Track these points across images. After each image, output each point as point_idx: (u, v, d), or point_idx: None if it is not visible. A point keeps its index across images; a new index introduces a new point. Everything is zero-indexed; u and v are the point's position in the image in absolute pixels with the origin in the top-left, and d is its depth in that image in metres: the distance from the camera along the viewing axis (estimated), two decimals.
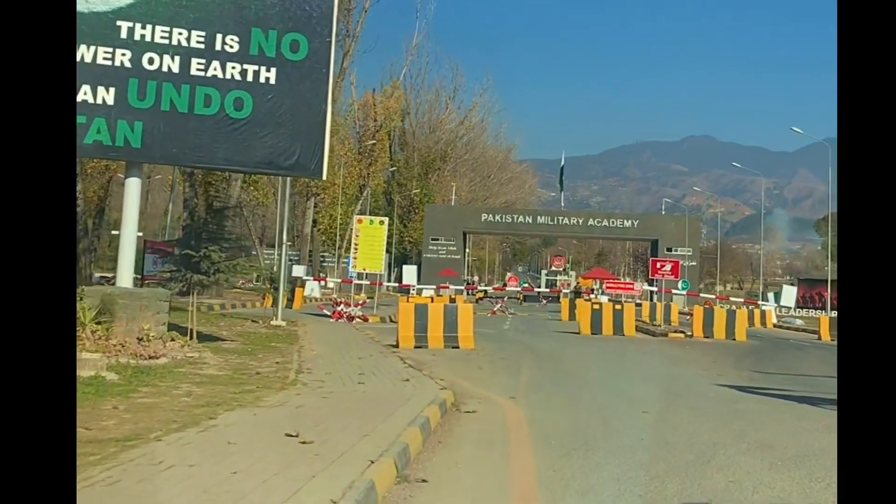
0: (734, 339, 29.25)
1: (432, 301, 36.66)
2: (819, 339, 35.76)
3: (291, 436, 7.68)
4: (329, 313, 32.48)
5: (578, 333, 29.05)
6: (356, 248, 36.22)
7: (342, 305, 32.45)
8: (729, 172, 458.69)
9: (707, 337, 29.43)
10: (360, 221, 37.10)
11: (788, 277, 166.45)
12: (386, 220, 38.13)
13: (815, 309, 74.03)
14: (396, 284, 59.59)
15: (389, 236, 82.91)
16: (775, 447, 8.91)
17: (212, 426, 8.16)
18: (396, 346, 20.38)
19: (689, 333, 29.86)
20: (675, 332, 30.83)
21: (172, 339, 15.05)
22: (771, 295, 64.03)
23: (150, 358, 13.30)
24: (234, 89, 16.13)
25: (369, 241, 36.01)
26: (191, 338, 16.48)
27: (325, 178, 17.83)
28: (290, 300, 41.86)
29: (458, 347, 20.56)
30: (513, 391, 13.03)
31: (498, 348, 21.58)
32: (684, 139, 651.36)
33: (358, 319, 31.89)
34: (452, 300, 44.21)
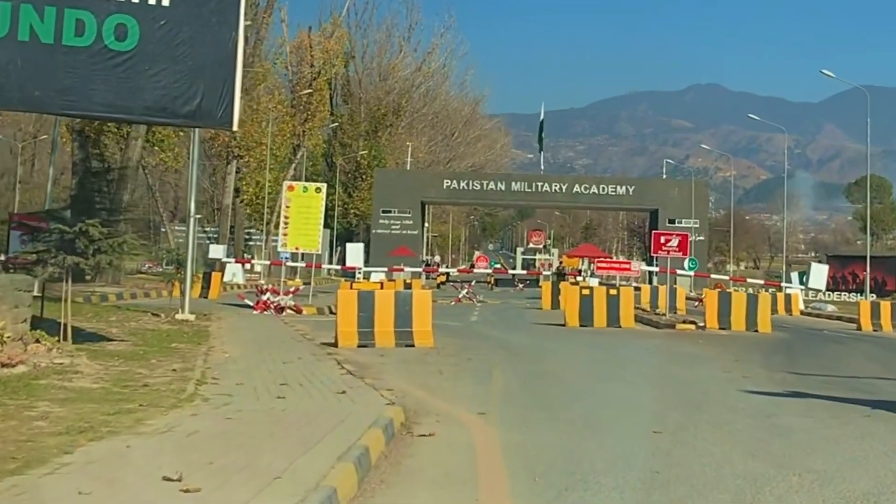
0: (756, 331, 28.63)
1: (382, 287, 35.91)
2: (859, 329, 35.13)
3: (171, 480, 6.63)
4: (252, 304, 31.47)
5: (564, 326, 28.33)
6: (286, 223, 35.11)
7: (268, 294, 31.43)
8: (741, 128, 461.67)
9: (723, 328, 28.77)
10: (290, 189, 35.96)
11: (814, 254, 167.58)
12: (324, 186, 36.98)
13: (849, 292, 73.88)
14: (339, 267, 58.66)
15: (330, 207, 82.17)
16: (836, 480, 8.01)
17: (63, 465, 7.09)
18: (335, 344, 19.51)
19: (702, 324, 29.17)
20: (685, 322, 30.11)
21: (37, 341, 13.93)
22: (795, 275, 63.71)
23: (3, 366, 12.17)
24: (116, 13, 14.87)
25: (303, 212, 34.93)
26: (63, 338, 15.35)
27: (235, 127, 16.60)
28: (206, 288, 40.95)
29: (413, 346, 19.74)
30: (482, 404, 12.07)
31: (464, 346, 20.64)
32: (688, 88, 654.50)
33: (289, 311, 30.94)
34: (408, 286, 43.67)
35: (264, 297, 31.10)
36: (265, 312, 30.01)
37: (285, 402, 10.77)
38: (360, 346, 19.42)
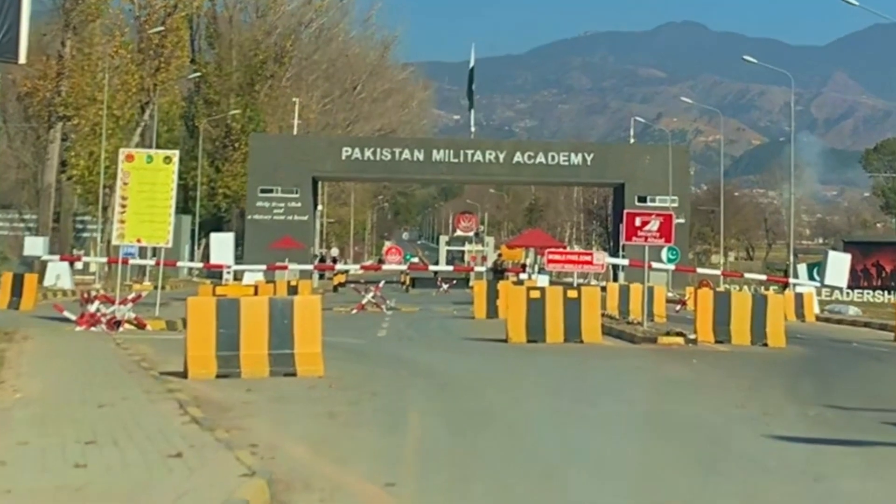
0: (766, 345, 27.54)
1: (256, 292, 34.29)
2: None
3: None
4: (74, 317, 29.66)
5: (506, 342, 26.95)
6: (123, 206, 33.33)
7: (97, 304, 29.60)
8: (727, 79, 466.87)
9: (721, 341, 27.71)
10: (129, 159, 34.10)
11: (822, 240, 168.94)
12: (176, 154, 35.24)
13: (873, 289, 73.44)
14: (202, 265, 56.92)
15: (190, 186, 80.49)
16: None
17: None
18: (185, 374, 17.88)
19: (693, 336, 27.91)
20: (669, 334, 28.80)
21: None
22: (802, 268, 63.20)
23: None
24: None
25: (147, 192, 33.23)
26: None
27: (22, 59, 14.93)
28: (17, 296, 39.62)
29: (295, 374, 18.30)
30: (392, 467, 10.54)
31: (367, 374, 19.17)
32: (658, 28, 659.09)
33: (129, 326, 29.23)
34: (292, 289, 42.11)
35: (92, 308, 29.27)
36: (93, 329, 28.23)
37: (86, 474, 9.08)
38: (219, 376, 17.96)
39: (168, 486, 8.68)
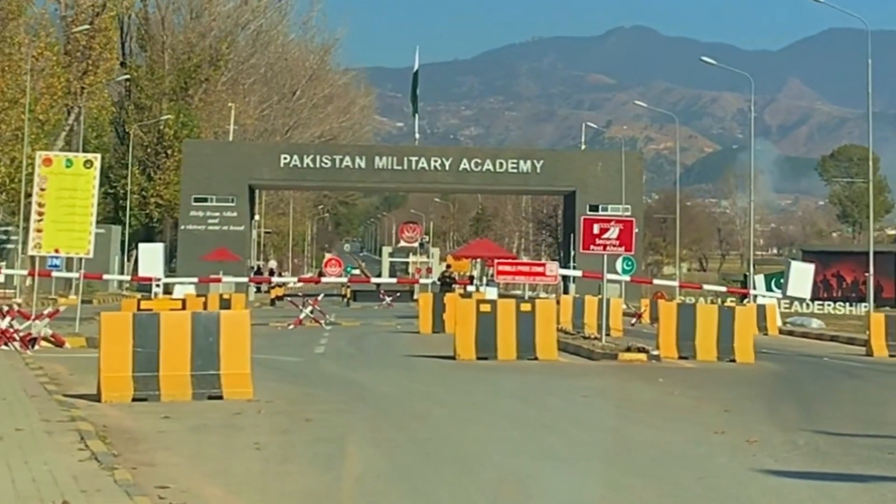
0: (734, 360, 26.31)
1: (183, 307, 32.77)
2: (869, 354, 33.11)
3: None
4: None
5: (455, 359, 25.54)
6: (40, 214, 31.75)
7: (8, 319, 27.98)
8: (679, 86, 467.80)
9: (685, 357, 26.54)
10: (47, 163, 32.50)
11: (777, 250, 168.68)
12: (98, 158, 33.71)
13: (834, 301, 72.69)
14: (129, 278, 55.28)
15: (121, 195, 78.92)
16: None
17: None
18: (98, 397, 16.42)
19: (656, 352, 26.65)
20: (630, 350, 27.47)
21: None
22: (760, 279, 62.10)
23: None
24: None
25: (66, 198, 31.65)
26: None
27: None
28: None
29: (221, 397, 16.99)
30: None
31: (302, 397, 17.76)
32: (609, 33, 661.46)
33: (46, 343, 27.67)
34: (225, 303, 40.68)
35: (3, 325, 27.66)
36: (4, 346, 26.60)
37: None
38: (136, 399, 16.67)
39: None
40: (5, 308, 30.45)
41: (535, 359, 25.55)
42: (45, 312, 30.21)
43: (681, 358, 26.40)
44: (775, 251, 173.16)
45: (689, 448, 13.28)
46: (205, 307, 34.32)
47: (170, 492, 9.69)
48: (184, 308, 32.33)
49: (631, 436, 14.38)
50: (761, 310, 45.98)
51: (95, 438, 12.02)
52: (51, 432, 12.44)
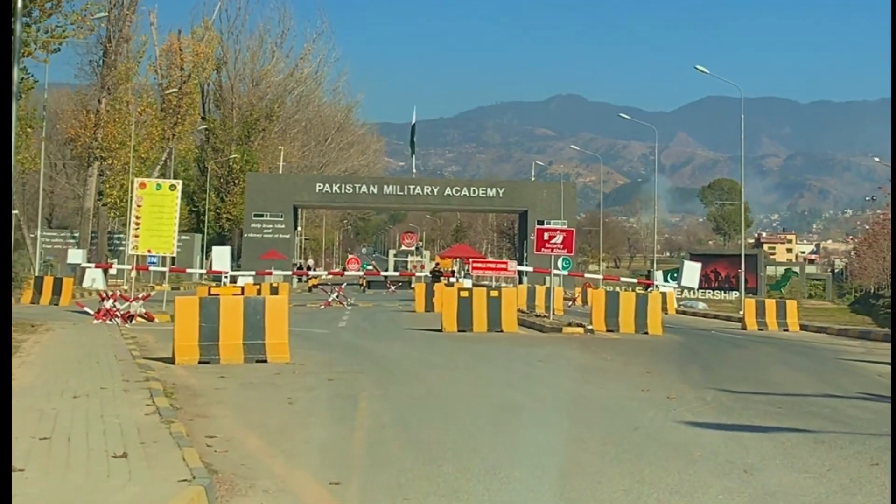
0: (647, 333, 25.23)
1: (242, 293, 31.55)
2: (744, 328, 32.18)
3: None
4: (92, 312, 26.76)
5: (441, 331, 24.40)
6: (137, 223, 30.66)
7: (111, 301, 26.72)
8: (600, 136, 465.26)
9: (611, 330, 25.45)
10: (142, 186, 31.42)
11: (669, 254, 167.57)
12: (179, 183, 32.58)
13: (714, 289, 72.32)
14: (205, 272, 53.97)
15: (202, 213, 77.45)
16: None
17: None
18: (172, 361, 15.37)
19: (590, 327, 25.52)
20: (571, 325, 26.37)
21: None
22: (659, 274, 60.96)
23: None
24: None
25: (156, 212, 30.55)
26: None
27: None
28: (57, 294, 37.04)
29: (265, 361, 15.86)
30: (339, 462, 8.00)
31: (327, 361, 16.59)
32: (550, 99, 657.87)
33: (140, 319, 26.47)
34: (275, 290, 39.42)
35: (107, 305, 26.39)
36: (108, 322, 25.34)
37: (20, 481, 6.42)
38: (201, 362, 15.59)
39: (98, 497, 6.07)
40: (111, 292, 29.31)
41: (501, 331, 24.48)
42: (140, 296, 29.05)
43: (608, 331, 25.27)
44: (668, 254, 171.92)
45: (623, 403, 12.20)
46: (258, 293, 32.98)
47: (216, 441, 8.61)
48: (243, 294, 31.18)
49: (576, 393, 13.27)
50: (663, 296, 44.94)
51: (162, 395, 10.90)
52: (127, 390, 11.28)
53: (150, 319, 26.96)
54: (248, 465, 7.59)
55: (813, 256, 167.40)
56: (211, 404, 11.16)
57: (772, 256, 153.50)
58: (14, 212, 23.28)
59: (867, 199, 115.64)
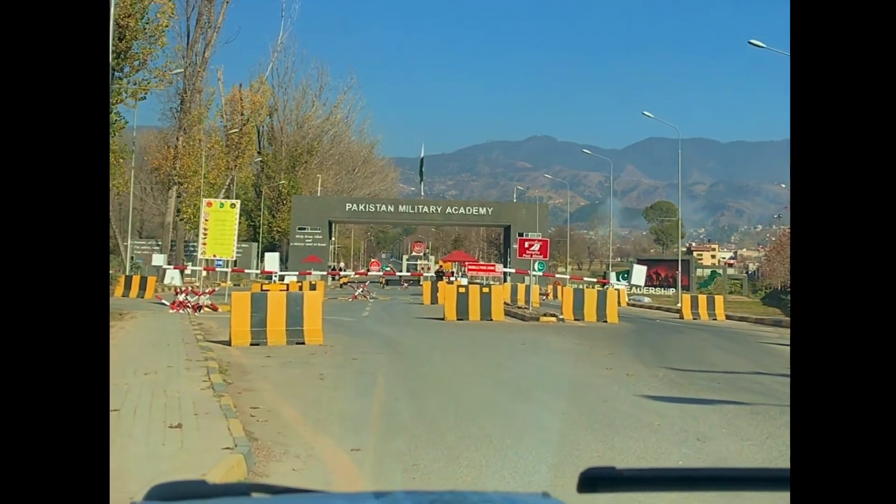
0: (606, 321, 24.58)
1: (287, 289, 30.97)
2: (681, 317, 31.56)
3: None
4: (168, 303, 26.18)
5: (443, 319, 23.74)
6: (205, 234, 30.10)
7: (184, 294, 26.16)
8: (567, 168, 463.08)
9: (578, 319, 24.73)
10: (209, 205, 30.90)
11: (619, 259, 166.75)
12: (238, 202, 32.05)
13: (656, 287, 71.61)
14: (259, 272, 53.33)
15: (257, 226, 76.87)
16: None
17: None
18: (229, 343, 14.78)
19: (561, 317, 24.90)
20: (546, 315, 25.73)
21: None
22: (613, 274, 60.33)
23: None
24: None
25: (219, 225, 29.99)
26: None
27: None
28: (143, 289, 36.52)
29: (303, 343, 15.23)
30: (359, 430, 7.42)
31: (352, 344, 15.96)
32: (528, 139, 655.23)
33: (206, 309, 25.88)
34: (314, 286, 38.81)
35: (180, 297, 25.83)
36: (181, 311, 24.76)
37: None
38: (252, 344, 14.96)
39: (151, 464, 5.51)
40: (184, 287, 28.77)
41: (491, 320, 23.81)
42: (207, 290, 28.48)
43: (575, 320, 24.63)
44: (619, 259, 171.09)
45: (592, 380, 11.55)
46: (299, 289, 32.33)
47: (258, 411, 8.04)
48: (287, 290, 30.62)
49: (553, 371, 12.69)
50: (617, 292, 44.38)
51: (217, 372, 10.32)
52: (189, 368, 10.69)
53: (215, 309, 26.35)
54: (284, 433, 7.04)
55: (732, 261, 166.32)
56: (257, 379, 10.60)
57: (700, 261, 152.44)
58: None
59: (774, 216, 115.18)
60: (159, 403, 7.81)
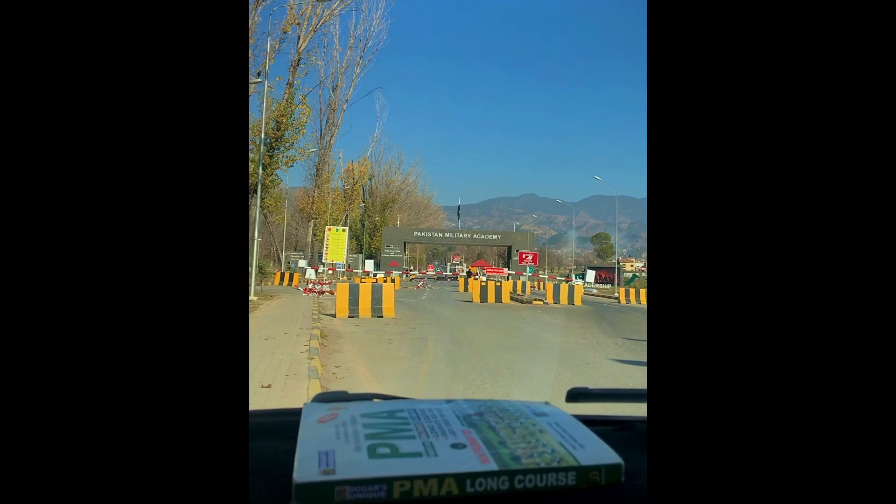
0: (573, 304, 22.69)
1: (375, 280, 29.55)
2: (619, 302, 29.39)
3: None
4: (302, 289, 24.86)
5: (471, 302, 22.06)
6: (327, 248, 28.77)
7: (311, 283, 24.83)
8: (546, 212, 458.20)
9: (556, 303, 22.84)
10: (330, 230, 29.57)
11: (576, 266, 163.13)
12: (346, 228, 30.76)
13: (600, 283, 68.71)
14: (362, 271, 52.02)
15: (362, 244, 75.78)
16: None
17: None
18: (334, 315, 13.18)
19: (546, 301, 23.07)
20: (536, 299, 23.96)
21: None
22: (574, 276, 58.06)
23: None
24: None
25: (335, 241, 28.79)
26: None
27: None
28: (290, 281, 35.25)
29: (382, 317, 13.53)
30: (410, 385, 5.82)
31: (413, 317, 14.38)
32: (522, 195, 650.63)
33: (327, 293, 24.49)
34: (393, 280, 37.32)
35: (309, 286, 24.51)
36: (310, 294, 23.42)
37: None
38: (350, 316, 13.32)
39: None
40: (314, 278, 27.44)
41: (502, 302, 22.15)
42: (328, 281, 27.12)
43: (555, 303, 22.86)
44: (576, 267, 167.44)
45: (574, 346, 9.77)
46: (384, 282, 30.96)
47: (339, 370, 6.42)
48: (376, 282, 29.23)
49: (545, 339, 10.93)
50: (578, 286, 42.22)
51: (317, 338, 8.76)
52: (299, 335, 9.14)
53: (332, 294, 24.98)
54: (353, 389, 5.43)
55: (643, 268, 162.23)
56: (345, 342, 9.02)
57: (625, 269, 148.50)
58: (258, 239, 21.24)
59: None
60: (264, 364, 6.28)
